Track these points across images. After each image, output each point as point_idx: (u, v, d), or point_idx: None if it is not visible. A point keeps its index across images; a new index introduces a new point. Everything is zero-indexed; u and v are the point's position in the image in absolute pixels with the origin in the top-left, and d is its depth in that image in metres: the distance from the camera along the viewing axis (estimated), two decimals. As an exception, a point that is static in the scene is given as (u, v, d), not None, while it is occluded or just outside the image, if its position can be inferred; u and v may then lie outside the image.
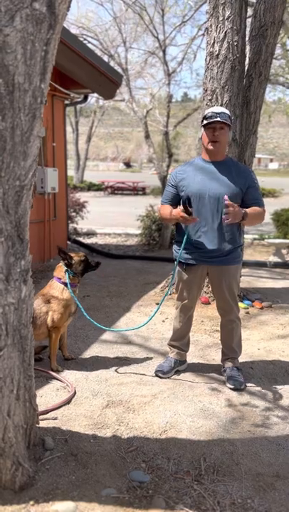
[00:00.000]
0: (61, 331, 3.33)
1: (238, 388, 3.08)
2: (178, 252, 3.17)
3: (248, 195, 3.02)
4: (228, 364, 3.27)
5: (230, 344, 3.27)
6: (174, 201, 3.15)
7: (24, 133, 1.82)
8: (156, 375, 3.25)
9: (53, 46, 1.86)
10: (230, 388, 3.09)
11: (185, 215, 2.90)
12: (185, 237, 3.05)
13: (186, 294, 3.20)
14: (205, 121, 2.98)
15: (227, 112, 3.00)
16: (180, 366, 3.34)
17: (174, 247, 3.23)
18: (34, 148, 1.90)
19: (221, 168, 3.03)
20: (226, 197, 2.83)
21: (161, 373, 3.24)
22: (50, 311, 3.25)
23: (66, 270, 3.28)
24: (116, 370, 3.34)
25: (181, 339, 3.35)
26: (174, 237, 8.66)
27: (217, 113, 2.93)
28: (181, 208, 2.95)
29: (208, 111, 2.99)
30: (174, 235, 3.29)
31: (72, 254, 3.33)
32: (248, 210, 2.94)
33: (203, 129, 3.03)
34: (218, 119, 2.91)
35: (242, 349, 3.36)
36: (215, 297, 3.25)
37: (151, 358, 3.58)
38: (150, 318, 3.33)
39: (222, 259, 3.06)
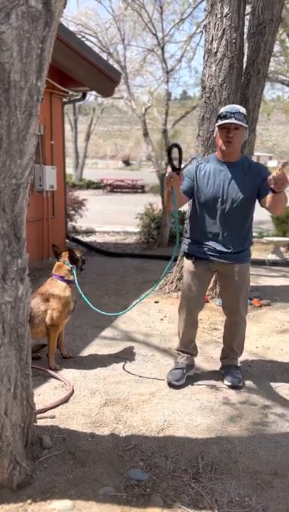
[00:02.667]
0: (59, 329, 3.33)
1: (237, 386, 3.07)
2: (187, 244, 3.11)
3: (265, 185, 2.77)
4: (227, 362, 3.26)
5: (231, 344, 3.23)
6: (188, 191, 2.97)
7: (20, 131, 1.82)
8: (170, 385, 3.06)
9: (50, 44, 1.85)
10: (229, 386, 3.09)
11: (174, 173, 2.66)
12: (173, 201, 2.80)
13: (192, 289, 3.07)
14: (219, 121, 2.86)
15: (243, 110, 2.87)
16: (189, 371, 3.22)
17: (185, 240, 3.14)
18: (31, 147, 1.89)
19: (234, 169, 2.93)
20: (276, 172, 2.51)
21: (175, 382, 3.06)
22: (49, 309, 3.25)
23: (72, 267, 3.29)
24: (119, 368, 3.34)
25: (189, 344, 3.25)
26: (173, 235, 8.67)
27: (232, 113, 2.80)
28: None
29: (223, 110, 2.88)
30: (183, 232, 3.07)
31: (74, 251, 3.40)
32: None
33: (217, 128, 2.90)
34: (233, 120, 2.79)
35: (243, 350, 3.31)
36: (222, 297, 3.21)
37: (149, 356, 3.58)
38: (141, 299, 3.40)
39: (231, 257, 2.99)
